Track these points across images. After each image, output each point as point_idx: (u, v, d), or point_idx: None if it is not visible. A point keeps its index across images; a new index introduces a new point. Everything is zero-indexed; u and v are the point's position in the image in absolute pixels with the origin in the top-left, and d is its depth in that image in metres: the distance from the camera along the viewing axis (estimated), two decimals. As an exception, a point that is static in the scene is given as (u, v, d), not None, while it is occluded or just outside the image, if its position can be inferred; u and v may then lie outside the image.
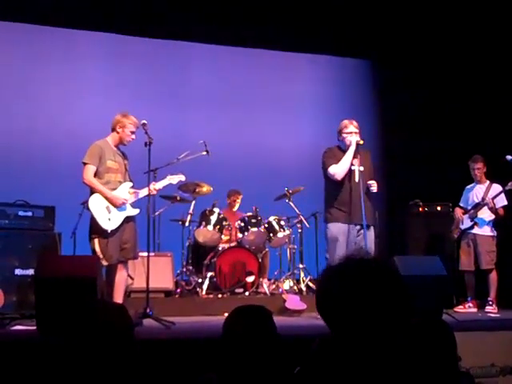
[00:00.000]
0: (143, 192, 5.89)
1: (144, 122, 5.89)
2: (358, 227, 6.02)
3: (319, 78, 10.05)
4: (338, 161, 6.11)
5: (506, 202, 7.18)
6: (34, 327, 4.66)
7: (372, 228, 6.10)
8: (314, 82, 10.03)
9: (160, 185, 6.02)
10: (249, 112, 9.60)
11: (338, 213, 6.07)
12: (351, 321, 1.61)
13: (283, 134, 9.69)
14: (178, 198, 7.71)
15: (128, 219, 5.79)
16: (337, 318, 1.64)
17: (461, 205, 7.52)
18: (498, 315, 6.70)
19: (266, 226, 7.57)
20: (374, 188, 6.12)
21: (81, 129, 8.26)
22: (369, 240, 5.93)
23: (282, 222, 7.68)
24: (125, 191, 5.83)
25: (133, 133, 5.85)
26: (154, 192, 5.94)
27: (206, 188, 7.74)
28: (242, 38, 9.29)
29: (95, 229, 5.64)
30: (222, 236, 7.59)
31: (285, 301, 6.82)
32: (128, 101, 8.32)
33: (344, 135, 6.19)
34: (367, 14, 9.22)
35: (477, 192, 7.37)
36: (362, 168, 6.11)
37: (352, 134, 6.14)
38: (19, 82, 8.63)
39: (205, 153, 7.01)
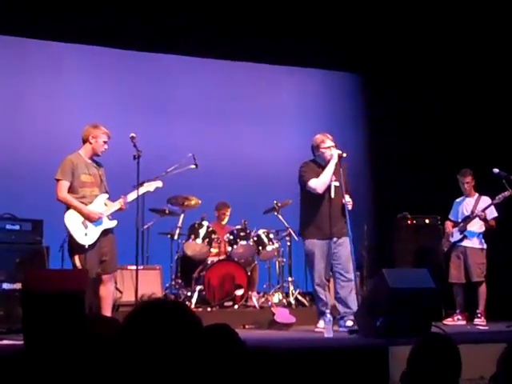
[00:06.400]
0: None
1: (133, 135, 5.88)
2: (335, 239, 6.08)
3: (307, 91, 10.06)
4: (316, 175, 6.11)
5: (496, 214, 7.22)
6: (22, 342, 4.61)
7: (347, 240, 6.07)
8: (302, 95, 10.04)
9: (135, 194, 5.92)
10: (237, 125, 9.59)
11: (313, 229, 6.12)
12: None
13: (271, 146, 9.68)
14: (167, 211, 7.69)
15: (106, 232, 5.76)
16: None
17: (451, 218, 7.56)
18: (486, 328, 6.72)
19: (255, 239, 7.55)
20: (350, 206, 6.12)
21: (68, 142, 8.18)
22: (346, 252, 6.01)
23: (271, 235, 7.67)
24: (101, 204, 5.79)
25: (105, 143, 5.82)
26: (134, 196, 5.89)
27: (194, 201, 7.73)
28: (227, 52, 9.28)
29: (73, 245, 5.64)
30: (211, 249, 7.57)
31: (274, 314, 6.79)
32: (115, 114, 8.29)
33: (322, 150, 6.18)
34: (351, 30, 9.28)
35: (466, 205, 7.41)
36: (337, 183, 6.13)
37: (331, 148, 6.15)
38: (3, 95, 8.56)
39: (194, 166, 7.01)
